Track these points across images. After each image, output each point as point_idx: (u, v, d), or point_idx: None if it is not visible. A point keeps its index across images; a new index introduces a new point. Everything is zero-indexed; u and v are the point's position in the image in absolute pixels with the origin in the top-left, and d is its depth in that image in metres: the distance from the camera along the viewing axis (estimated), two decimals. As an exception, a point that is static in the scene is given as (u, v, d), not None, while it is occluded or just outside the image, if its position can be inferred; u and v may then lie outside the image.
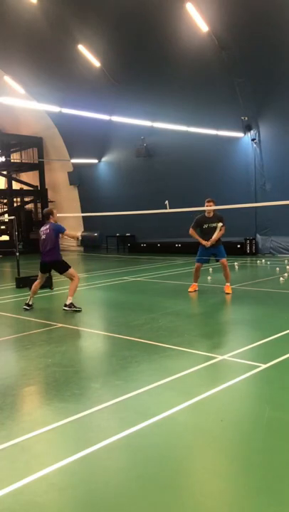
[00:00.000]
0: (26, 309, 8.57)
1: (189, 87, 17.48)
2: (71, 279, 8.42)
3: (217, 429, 3.65)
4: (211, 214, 9.55)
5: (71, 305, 8.25)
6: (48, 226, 8.40)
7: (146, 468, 3.16)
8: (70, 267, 8.43)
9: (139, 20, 16.20)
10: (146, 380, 4.70)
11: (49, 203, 25.29)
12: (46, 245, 8.34)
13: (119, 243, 22.53)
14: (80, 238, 8.87)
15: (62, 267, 8.43)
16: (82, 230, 24.39)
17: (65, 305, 8.28)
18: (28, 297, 8.74)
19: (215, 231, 9.45)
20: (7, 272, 16.04)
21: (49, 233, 8.32)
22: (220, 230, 9.46)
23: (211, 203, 9.46)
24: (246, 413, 3.97)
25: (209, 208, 9.39)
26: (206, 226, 9.51)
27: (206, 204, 9.45)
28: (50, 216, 8.49)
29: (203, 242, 9.45)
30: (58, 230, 8.33)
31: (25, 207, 26.41)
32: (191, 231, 9.59)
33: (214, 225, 9.49)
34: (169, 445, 3.44)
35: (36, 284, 8.70)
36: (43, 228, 8.51)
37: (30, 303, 8.65)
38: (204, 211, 9.56)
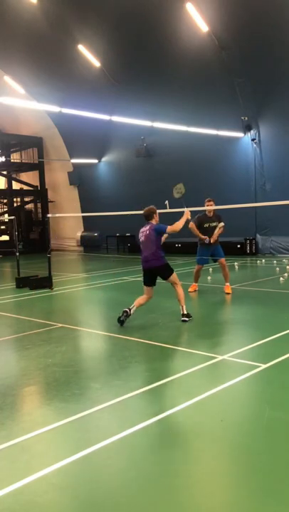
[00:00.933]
0: (122, 321, 7.10)
1: (189, 87, 17.48)
2: (175, 284, 7.35)
3: (217, 429, 3.65)
4: (212, 213, 9.58)
5: (188, 314, 7.34)
6: (148, 227, 7.28)
7: (146, 468, 3.16)
8: (173, 271, 7.33)
9: (139, 20, 16.19)
10: (147, 380, 4.70)
11: (49, 203, 25.31)
12: (145, 249, 7.26)
13: (119, 243, 22.52)
14: (190, 218, 7.66)
15: (167, 272, 7.26)
16: (82, 229, 24.38)
17: (183, 315, 7.30)
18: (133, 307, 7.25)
19: (215, 230, 9.48)
20: (7, 272, 16.03)
21: (148, 234, 7.21)
22: (219, 228, 9.48)
23: (212, 202, 9.49)
24: (246, 413, 3.97)
25: (210, 207, 9.41)
26: (206, 225, 9.52)
27: (207, 203, 9.47)
28: (154, 216, 7.34)
29: (203, 237, 9.42)
30: (160, 231, 7.22)
31: (25, 207, 26.39)
32: (192, 225, 9.50)
33: (215, 224, 9.52)
34: (169, 445, 3.44)
35: (141, 298, 7.31)
36: (142, 229, 7.40)
37: (131, 312, 7.18)
38: (205, 211, 9.57)
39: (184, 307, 7.33)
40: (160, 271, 7.23)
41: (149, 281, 7.29)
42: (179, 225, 7.20)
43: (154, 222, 7.29)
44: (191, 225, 9.51)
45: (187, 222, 7.56)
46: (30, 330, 7.17)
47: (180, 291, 7.32)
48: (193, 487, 2.96)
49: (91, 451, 3.35)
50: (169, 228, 7.13)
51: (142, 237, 7.33)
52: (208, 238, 9.42)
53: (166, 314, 7.81)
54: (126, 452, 3.39)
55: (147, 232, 7.21)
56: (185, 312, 7.31)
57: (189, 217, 7.57)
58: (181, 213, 7.60)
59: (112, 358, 5.67)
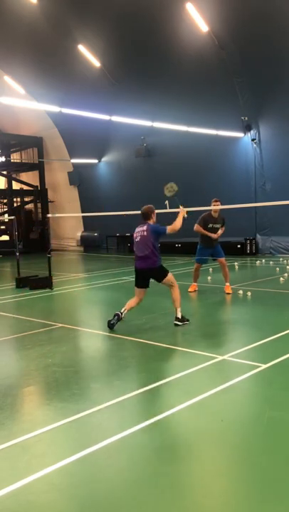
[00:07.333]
0: (113, 324, 6.89)
1: (189, 87, 17.47)
2: (171, 286, 7.06)
3: (217, 429, 3.65)
4: (217, 214, 9.56)
5: (183, 318, 7.08)
6: (145, 227, 6.95)
7: (146, 468, 3.16)
8: (168, 272, 7.06)
9: (139, 20, 16.19)
10: (146, 380, 4.69)
11: (49, 203, 25.32)
12: (141, 249, 6.92)
13: (119, 243, 22.52)
14: (186, 216, 7.31)
15: (162, 273, 6.98)
16: (82, 229, 24.38)
17: (176, 319, 7.03)
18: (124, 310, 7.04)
19: (218, 231, 9.50)
20: (7, 272, 16.03)
21: (146, 236, 6.87)
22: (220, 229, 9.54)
23: (218, 203, 9.47)
24: (246, 413, 3.97)
25: (216, 207, 9.38)
26: (210, 225, 9.49)
27: (214, 203, 9.45)
28: (152, 215, 7.04)
29: (212, 235, 9.39)
30: (157, 232, 6.91)
31: (25, 207, 26.40)
32: (197, 227, 9.47)
33: (218, 225, 9.51)
34: (169, 445, 3.44)
35: (133, 301, 7.06)
36: (138, 229, 7.05)
37: (122, 316, 6.99)
38: (211, 210, 9.52)
39: (179, 310, 7.03)
40: (154, 273, 6.94)
41: (142, 283, 7.02)
42: (177, 224, 7.04)
43: (151, 222, 6.99)
44: (197, 227, 9.47)
45: (184, 219, 7.40)
46: (30, 330, 7.17)
47: (176, 293, 7.01)
48: (194, 487, 2.96)
49: (91, 451, 3.35)
50: (169, 229, 6.91)
51: (137, 238, 7.00)
52: (216, 236, 9.40)
53: (166, 314, 7.80)
54: (126, 452, 3.39)
55: (144, 232, 6.89)
56: (179, 316, 7.02)
57: (185, 216, 7.34)
58: (178, 213, 7.56)
59: (112, 358, 5.67)
